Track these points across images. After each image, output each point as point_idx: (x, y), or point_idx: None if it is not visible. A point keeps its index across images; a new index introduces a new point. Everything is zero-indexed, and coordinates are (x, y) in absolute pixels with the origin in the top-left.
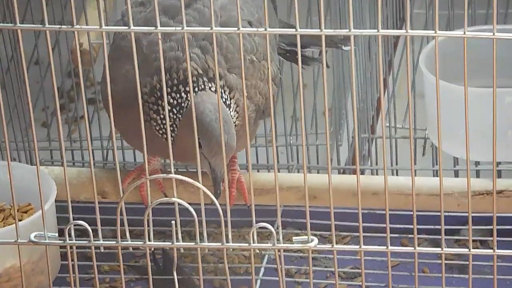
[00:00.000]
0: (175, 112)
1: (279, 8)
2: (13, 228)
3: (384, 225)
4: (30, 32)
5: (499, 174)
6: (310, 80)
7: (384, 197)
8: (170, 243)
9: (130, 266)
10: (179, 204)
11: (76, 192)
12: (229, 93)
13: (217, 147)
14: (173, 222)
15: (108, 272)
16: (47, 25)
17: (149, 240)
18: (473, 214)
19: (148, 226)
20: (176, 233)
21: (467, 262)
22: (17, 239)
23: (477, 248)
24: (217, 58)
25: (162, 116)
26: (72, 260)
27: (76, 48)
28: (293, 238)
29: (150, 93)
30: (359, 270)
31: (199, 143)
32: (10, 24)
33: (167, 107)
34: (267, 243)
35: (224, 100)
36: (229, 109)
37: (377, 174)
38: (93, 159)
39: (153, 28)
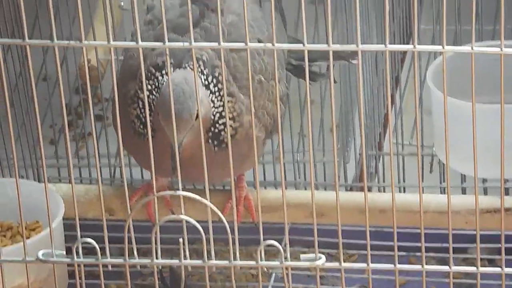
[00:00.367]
0: (153, 95)
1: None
2: (21, 246)
3: (392, 243)
4: (38, 48)
5: (507, 192)
6: (317, 96)
7: (391, 215)
8: (178, 261)
9: (137, 285)
10: (186, 221)
11: (84, 209)
12: (212, 73)
13: (169, 117)
14: (180, 240)
15: None
16: (55, 41)
17: (157, 258)
18: (481, 232)
19: (156, 244)
20: (184, 251)
21: (475, 281)
22: (25, 257)
23: (485, 266)
24: (225, 75)
25: (142, 110)
26: (80, 278)
27: (84, 64)
28: (301, 255)
29: (135, 95)
30: None
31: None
32: (18, 40)
33: (146, 92)
34: (275, 261)
35: (203, 78)
36: (208, 89)
37: (384, 191)
38: (101, 176)
39: (161, 43)
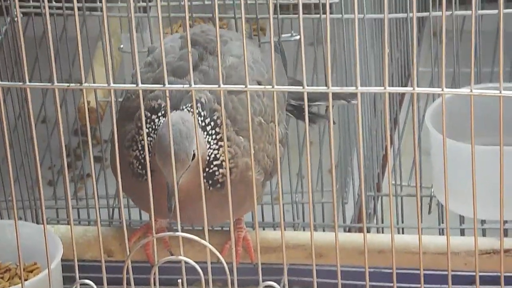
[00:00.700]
0: (150, 137)
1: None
2: None
3: (391, 284)
4: (37, 90)
5: (506, 233)
6: (316, 137)
7: (390, 255)
8: None
9: None
10: (185, 262)
11: (82, 250)
12: (210, 116)
13: (166, 157)
14: (179, 281)
15: None
16: (55, 83)
17: None
18: (480, 274)
19: (155, 285)
20: None
21: None
22: None
23: None
24: (224, 118)
25: (140, 152)
26: None
27: (84, 106)
28: None
29: (132, 138)
30: None
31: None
32: (19, 83)
33: (146, 136)
34: None
35: (201, 120)
36: (205, 131)
37: (382, 232)
38: (100, 217)
39: (160, 85)
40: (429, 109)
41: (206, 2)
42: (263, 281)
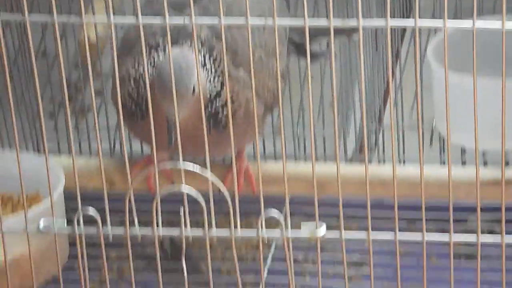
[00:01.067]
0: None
1: None
2: (22, 217)
3: (392, 215)
4: (37, 23)
5: (507, 163)
6: (317, 72)
7: (391, 186)
8: (179, 231)
9: (138, 255)
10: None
11: (84, 181)
12: (210, 55)
13: (166, 91)
14: (181, 209)
15: (115, 260)
16: (55, 16)
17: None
18: (482, 204)
19: (157, 214)
20: (185, 221)
21: (475, 251)
22: (26, 227)
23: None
24: (224, 55)
25: (133, 89)
26: (81, 248)
27: (84, 40)
28: (302, 223)
29: (127, 73)
30: (366, 259)
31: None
32: (18, 16)
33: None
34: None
35: (201, 56)
36: (204, 66)
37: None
38: (101, 148)
39: (161, 19)
40: (430, 43)
41: None
42: (264, 211)
